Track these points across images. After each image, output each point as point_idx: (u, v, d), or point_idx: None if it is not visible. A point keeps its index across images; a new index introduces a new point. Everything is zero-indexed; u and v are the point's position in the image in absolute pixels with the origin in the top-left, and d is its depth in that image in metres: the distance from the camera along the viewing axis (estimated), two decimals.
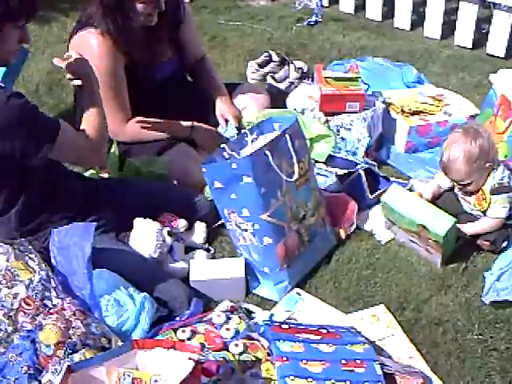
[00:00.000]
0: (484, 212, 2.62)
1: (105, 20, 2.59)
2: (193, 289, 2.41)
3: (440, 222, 2.46)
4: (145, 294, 2.25)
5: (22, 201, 2.32)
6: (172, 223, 2.61)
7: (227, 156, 2.42)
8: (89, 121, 2.34)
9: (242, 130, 2.58)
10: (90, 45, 2.63)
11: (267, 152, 2.31)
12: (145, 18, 2.65)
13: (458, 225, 2.55)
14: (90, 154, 2.35)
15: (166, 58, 2.94)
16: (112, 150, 2.82)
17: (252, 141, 2.48)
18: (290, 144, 2.41)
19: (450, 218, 2.48)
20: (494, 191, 2.57)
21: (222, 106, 3.01)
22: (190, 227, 2.67)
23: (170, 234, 2.54)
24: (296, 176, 2.42)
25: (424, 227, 2.48)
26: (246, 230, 2.39)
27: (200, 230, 2.66)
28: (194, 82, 3.15)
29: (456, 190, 2.72)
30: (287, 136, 2.41)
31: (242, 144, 2.48)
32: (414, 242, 2.61)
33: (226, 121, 3.00)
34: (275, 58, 3.73)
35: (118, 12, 2.58)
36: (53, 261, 2.26)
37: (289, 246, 2.45)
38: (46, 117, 2.21)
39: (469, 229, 2.62)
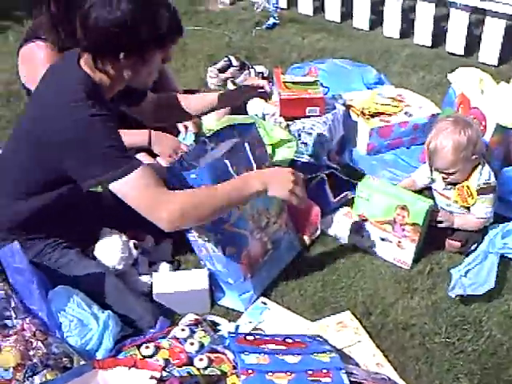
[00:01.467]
0: (467, 208, 2.63)
1: (54, 31, 2.52)
2: (156, 302, 2.37)
3: (420, 202, 2.51)
4: (109, 312, 2.20)
5: (39, 202, 2.26)
6: (139, 238, 2.57)
7: (186, 165, 2.38)
8: (207, 195, 2.14)
9: (201, 138, 2.54)
10: (36, 57, 2.57)
11: (226, 161, 2.28)
12: None
13: (447, 214, 2.64)
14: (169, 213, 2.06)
15: None
16: None
17: (212, 149, 2.45)
18: (249, 151, 2.38)
19: (429, 200, 2.55)
20: (482, 191, 2.59)
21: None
22: (156, 242, 2.64)
23: (135, 246, 2.50)
24: None
25: (404, 208, 2.49)
26: (208, 241, 2.35)
27: (166, 247, 2.63)
28: (152, 88, 3.09)
29: (435, 184, 2.72)
30: (246, 144, 2.38)
31: (201, 152, 2.43)
32: (384, 240, 2.60)
33: (186, 128, 2.95)
34: (235, 62, 3.71)
35: (66, 22, 2.51)
36: (10, 280, 2.20)
37: (252, 255, 2.42)
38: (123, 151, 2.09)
39: (459, 221, 2.63)
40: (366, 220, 2.63)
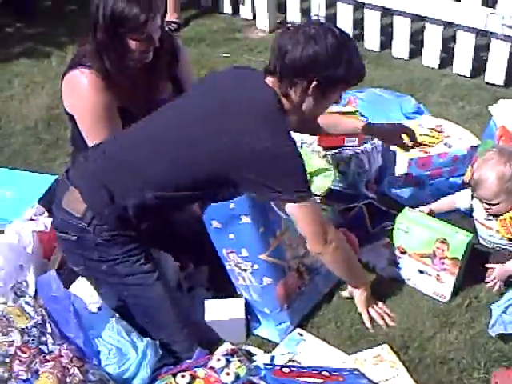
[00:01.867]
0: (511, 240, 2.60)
1: (99, 58, 2.57)
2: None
3: (460, 236, 2.49)
4: (147, 340, 2.21)
5: (162, 198, 2.26)
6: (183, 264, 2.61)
7: None
8: (350, 265, 2.44)
9: None
10: (81, 84, 2.57)
11: None
12: (140, 54, 2.63)
13: (492, 265, 2.58)
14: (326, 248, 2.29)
15: (165, 96, 2.92)
16: None
17: None
18: None
19: (468, 233, 2.52)
20: None
21: None
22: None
23: (181, 268, 2.55)
24: None
25: (443, 241, 2.48)
26: (245, 270, 2.36)
27: (203, 272, 2.64)
28: None
29: (476, 214, 2.69)
30: None
31: None
32: (423, 273, 2.58)
33: None
34: None
35: (112, 49, 2.55)
36: (47, 308, 2.23)
37: (289, 286, 2.42)
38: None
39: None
40: (404, 252, 2.61)
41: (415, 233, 2.56)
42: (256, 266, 2.33)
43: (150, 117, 2.39)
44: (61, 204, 2.32)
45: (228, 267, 2.42)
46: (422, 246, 2.55)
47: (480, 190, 2.56)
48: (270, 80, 2.23)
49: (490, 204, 2.57)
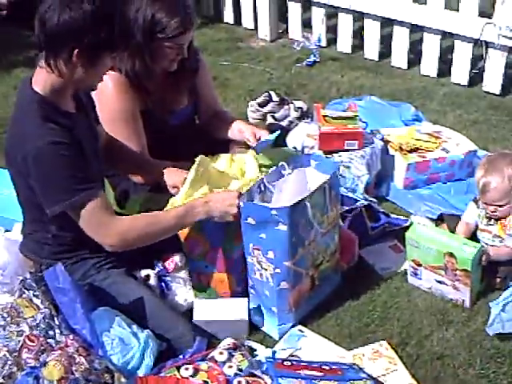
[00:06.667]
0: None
1: (130, 60, 2.62)
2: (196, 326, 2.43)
3: (466, 248, 2.49)
4: (148, 331, 2.27)
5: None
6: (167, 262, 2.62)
7: (263, 188, 2.43)
8: (154, 222, 2.32)
9: (280, 163, 2.51)
10: (106, 85, 2.58)
11: (307, 203, 2.31)
12: (168, 62, 2.69)
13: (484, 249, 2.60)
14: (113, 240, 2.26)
15: (183, 106, 2.95)
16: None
17: (288, 174, 2.48)
18: (327, 194, 2.41)
19: (475, 244, 2.55)
20: None
21: (246, 126, 2.95)
22: None
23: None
24: (325, 225, 2.45)
25: (451, 255, 2.49)
26: (265, 270, 2.38)
27: None
28: (211, 132, 3.06)
29: (480, 219, 2.75)
30: (327, 186, 2.40)
31: (278, 176, 2.48)
32: (441, 283, 2.60)
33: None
34: (275, 97, 3.79)
35: (146, 53, 2.61)
36: (56, 301, 2.28)
37: (301, 292, 2.47)
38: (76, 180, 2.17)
39: (493, 252, 2.63)
40: (420, 265, 2.63)
41: (425, 247, 2.57)
42: (278, 270, 2.35)
43: None
44: None
45: (249, 260, 2.43)
46: (433, 260, 2.57)
47: (487, 193, 2.63)
48: (39, 69, 2.16)
49: (496, 206, 2.63)
